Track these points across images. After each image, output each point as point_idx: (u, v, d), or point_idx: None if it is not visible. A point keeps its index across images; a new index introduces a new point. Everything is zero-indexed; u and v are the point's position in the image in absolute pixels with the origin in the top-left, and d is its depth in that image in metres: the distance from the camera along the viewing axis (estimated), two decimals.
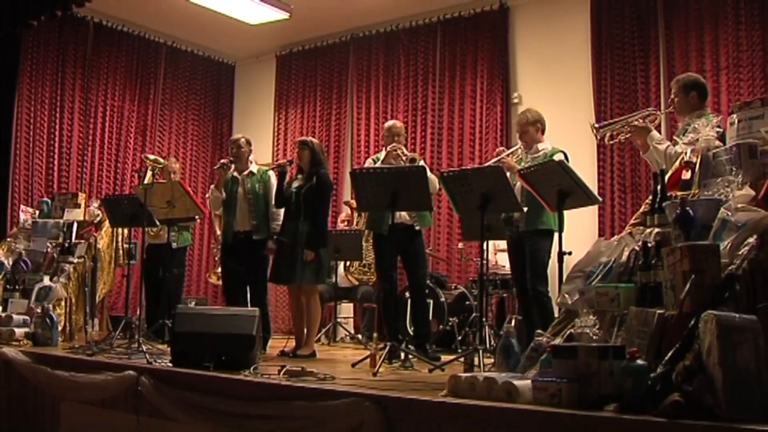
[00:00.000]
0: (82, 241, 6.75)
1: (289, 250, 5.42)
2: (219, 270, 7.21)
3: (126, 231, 6.92)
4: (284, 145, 9.42)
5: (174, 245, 6.54)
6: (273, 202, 5.72)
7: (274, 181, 5.71)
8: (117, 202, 5.77)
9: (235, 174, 5.88)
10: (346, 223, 7.84)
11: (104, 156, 8.78)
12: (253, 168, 5.93)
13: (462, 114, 8.07)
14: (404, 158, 5.31)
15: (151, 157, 6.87)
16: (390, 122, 5.71)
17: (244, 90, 10.13)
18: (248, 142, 5.98)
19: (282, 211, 5.66)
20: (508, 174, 4.67)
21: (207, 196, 6.14)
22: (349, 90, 8.99)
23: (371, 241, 7.49)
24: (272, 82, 9.69)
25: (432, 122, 8.21)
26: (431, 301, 6.35)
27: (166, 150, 9.30)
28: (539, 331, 3.25)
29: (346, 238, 6.93)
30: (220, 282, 7.32)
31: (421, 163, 5.31)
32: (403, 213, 5.28)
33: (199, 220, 6.94)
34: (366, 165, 5.51)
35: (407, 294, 5.98)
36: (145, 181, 5.95)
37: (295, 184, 5.57)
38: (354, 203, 7.35)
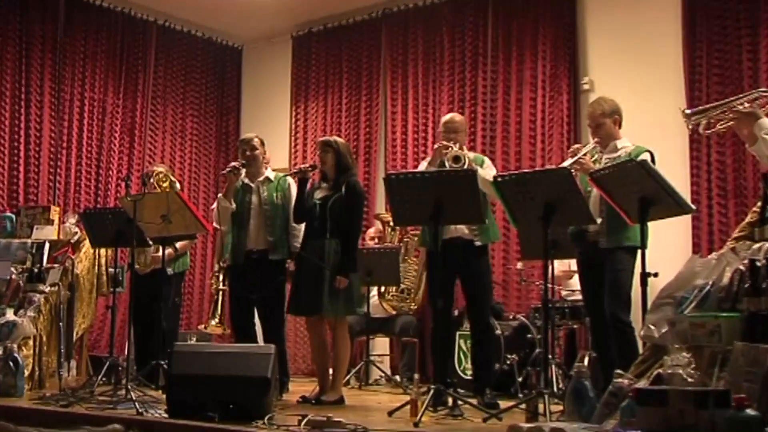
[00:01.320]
0: (56, 265, 6.82)
1: (315, 272, 5.45)
2: (217, 318, 7.25)
3: (111, 252, 7.00)
4: (303, 147, 9.50)
5: (170, 270, 6.54)
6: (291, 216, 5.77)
7: (294, 190, 5.76)
8: (99, 217, 5.85)
9: (247, 181, 5.94)
10: (376, 240, 7.86)
11: (82, 160, 8.84)
12: (270, 174, 6.00)
13: (519, 105, 8.05)
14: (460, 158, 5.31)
15: (161, 168, 6.92)
16: (448, 116, 5.74)
17: (253, 79, 10.25)
18: (263, 143, 6.05)
19: (302, 227, 5.70)
20: (577, 178, 4.65)
21: (212, 207, 6.19)
22: (381, 78, 9.04)
23: (410, 261, 7.52)
24: (288, 69, 9.78)
25: (483, 115, 8.21)
26: None
27: (159, 153, 9.42)
28: (619, 371, 3.23)
29: (380, 258, 6.95)
30: (222, 331, 7.39)
31: (471, 156, 5.31)
32: (461, 226, 5.31)
33: (199, 239, 7.00)
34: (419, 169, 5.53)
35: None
36: (135, 192, 6.03)
37: (319, 195, 5.61)
38: (387, 216, 7.36)
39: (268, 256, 5.79)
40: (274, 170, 6.15)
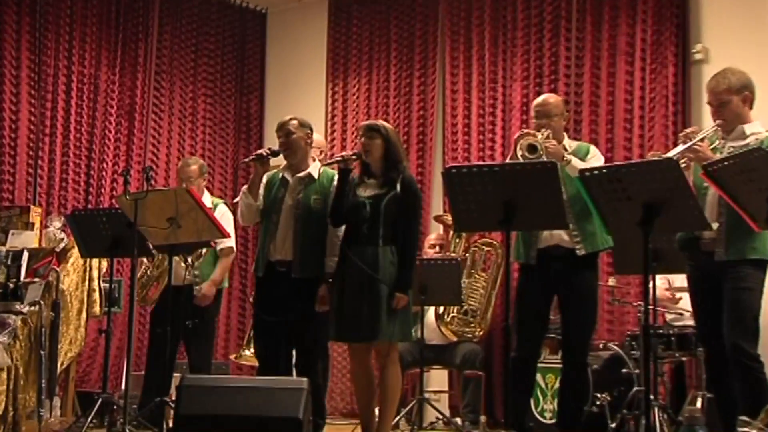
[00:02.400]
0: (37, 279, 6.86)
1: (365, 287, 5.44)
2: (252, 349, 7.29)
3: (105, 264, 7.06)
4: (341, 134, 9.55)
5: (197, 291, 6.77)
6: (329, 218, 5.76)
7: None
8: (91, 221, 5.91)
9: (286, 174, 5.94)
10: (437, 248, 7.85)
11: (69, 150, 8.88)
12: (313, 169, 5.88)
13: (612, 81, 7.99)
14: (546, 148, 5.30)
15: (192, 164, 7.08)
16: (540, 98, 5.75)
17: (280, 50, 10.31)
18: (303, 125, 5.93)
19: (341, 231, 5.70)
20: (689, 172, 4.60)
21: (235, 201, 6.24)
22: (438, 49, 9.05)
23: (477, 276, 7.50)
24: (323, 38, 9.83)
25: (565, 94, 8.14)
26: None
27: (164, 142, 9.51)
28: (744, 417, 3.19)
29: (438, 271, 6.92)
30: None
31: (571, 146, 5.28)
32: (559, 231, 5.33)
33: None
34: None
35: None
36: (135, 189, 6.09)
37: (367, 192, 5.60)
38: (449, 219, 7.34)
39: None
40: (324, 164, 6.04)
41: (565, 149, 5.53)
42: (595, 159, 5.51)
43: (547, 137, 5.39)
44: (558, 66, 8.28)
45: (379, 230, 5.48)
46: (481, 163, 5.42)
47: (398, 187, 5.50)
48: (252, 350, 7.23)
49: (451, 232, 7.70)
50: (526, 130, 5.52)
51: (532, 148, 5.28)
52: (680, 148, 4.86)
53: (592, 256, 5.48)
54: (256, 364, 6.91)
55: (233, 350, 8.96)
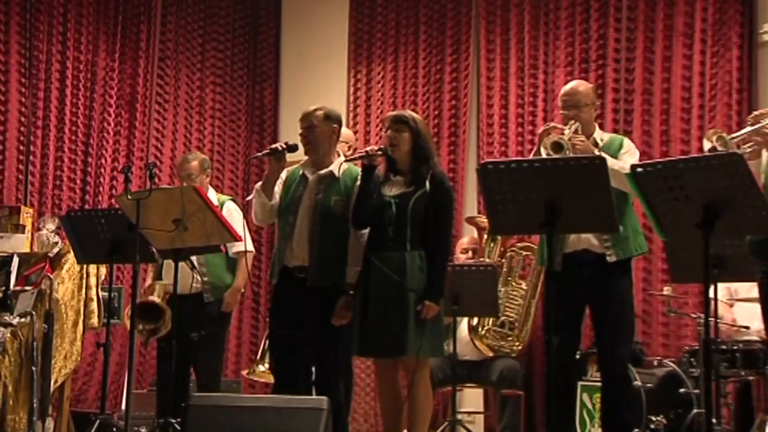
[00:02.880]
0: (28, 288, 6.90)
1: (392, 297, 5.43)
2: (266, 364, 7.30)
3: (104, 270, 7.09)
4: (365, 126, 9.57)
5: (207, 298, 6.80)
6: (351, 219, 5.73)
7: None
8: (88, 223, 5.91)
9: (306, 171, 5.93)
10: (470, 253, 7.83)
11: (64, 145, 8.95)
12: (336, 166, 5.81)
13: (668, 66, 7.96)
14: (574, 143, 5.29)
15: (194, 159, 7.07)
16: (567, 86, 5.74)
17: (297, 33, 10.33)
18: (329, 118, 5.86)
19: (365, 236, 5.69)
20: (756, 167, 4.56)
21: (248, 199, 6.23)
22: (472, 32, 9.05)
23: (514, 284, 7.48)
24: (344, 20, 9.85)
25: (614, 81, 8.14)
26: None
27: (169, 135, 9.55)
28: None
29: (472, 278, 6.90)
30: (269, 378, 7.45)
31: (603, 139, 5.25)
32: (587, 235, 5.35)
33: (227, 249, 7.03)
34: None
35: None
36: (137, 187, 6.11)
37: (393, 190, 5.59)
38: (484, 221, 7.32)
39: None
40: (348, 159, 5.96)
41: (596, 144, 5.56)
42: (629, 154, 5.50)
43: (575, 131, 5.38)
44: (606, 50, 8.25)
45: (407, 233, 5.48)
46: (520, 158, 5.39)
47: (427, 184, 5.50)
48: (266, 365, 7.25)
49: (486, 236, 7.69)
50: (551, 124, 5.52)
51: (557, 146, 5.28)
52: (747, 129, 4.84)
53: (624, 263, 5.49)
54: (272, 380, 6.95)
55: (245, 366, 8.95)
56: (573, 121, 5.47)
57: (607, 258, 5.40)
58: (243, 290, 7.36)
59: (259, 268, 9.55)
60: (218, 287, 6.89)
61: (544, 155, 5.27)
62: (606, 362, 5.53)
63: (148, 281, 7.08)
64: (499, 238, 7.56)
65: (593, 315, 5.50)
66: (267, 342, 7.40)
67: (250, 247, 6.93)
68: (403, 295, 5.39)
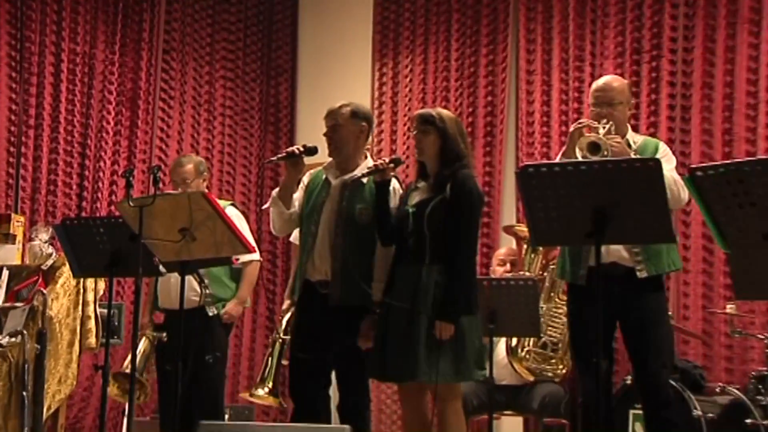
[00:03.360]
0: (19, 304, 6.93)
1: (406, 319, 5.46)
2: (269, 385, 7.32)
3: (102, 285, 7.12)
4: (391, 125, 9.59)
5: (212, 311, 6.79)
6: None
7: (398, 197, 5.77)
8: (85, 232, 5.92)
9: (330, 176, 5.93)
10: (508, 266, 7.83)
11: (59, 146, 9.02)
12: (362, 171, 5.79)
13: (731, 57, 7.91)
14: (612, 145, 5.30)
15: (188, 162, 7.04)
16: (600, 81, 5.74)
17: (316, 23, 10.39)
18: (356, 116, 5.85)
19: (392, 249, 5.69)
20: None
21: (264, 207, 6.25)
22: (511, 19, 9.07)
23: (557, 300, 7.48)
24: (368, 7, 9.89)
25: (670, 74, 8.11)
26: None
27: (174, 135, 9.61)
28: None
29: (510, 294, 6.88)
30: (276, 404, 7.47)
31: (636, 141, 5.25)
32: (617, 246, 5.34)
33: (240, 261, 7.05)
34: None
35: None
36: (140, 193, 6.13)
37: (414, 199, 5.62)
38: (524, 230, 7.33)
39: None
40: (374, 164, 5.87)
41: (629, 146, 5.56)
42: (666, 160, 5.45)
43: (608, 131, 5.38)
44: (661, 39, 8.22)
45: (425, 244, 5.49)
46: (564, 160, 5.37)
47: (448, 188, 5.50)
48: (267, 389, 7.28)
49: (526, 246, 7.68)
50: (584, 122, 5.50)
51: (594, 148, 5.27)
52: None
53: (656, 279, 5.50)
54: (272, 404, 7.01)
55: None
56: (605, 121, 5.47)
57: (638, 273, 5.42)
58: (248, 304, 7.39)
59: (274, 282, 9.59)
60: (220, 300, 6.93)
61: (579, 157, 5.27)
62: (645, 388, 5.53)
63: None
64: (540, 249, 7.54)
65: (626, 336, 5.52)
66: (269, 362, 7.44)
67: (257, 255, 6.95)
68: (414, 317, 5.43)
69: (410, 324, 5.44)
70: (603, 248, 5.28)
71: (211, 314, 6.82)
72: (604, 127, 5.43)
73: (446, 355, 5.42)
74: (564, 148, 5.54)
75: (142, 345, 6.89)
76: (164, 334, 6.89)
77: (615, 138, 5.40)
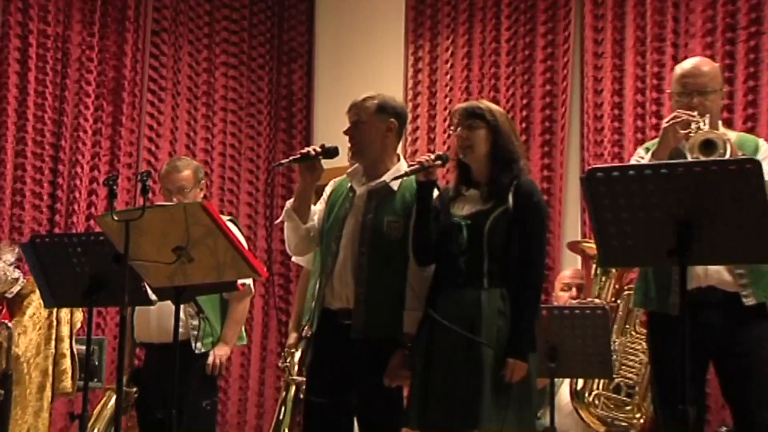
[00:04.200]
0: None
1: (458, 352, 5.42)
2: None
3: (80, 316, 7.15)
4: (427, 120, 9.62)
5: (198, 348, 6.80)
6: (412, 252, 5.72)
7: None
8: (59, 252, 5.94)
9: (354, 183, 5.90)
10: (574, 291, 7.82)
11: (26, 149, 9.04)
12: (392, 176, 5.74)
13: None
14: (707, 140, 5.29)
15: (185, 167, 7.03)
16: (690, 63, 5.72)
17: (337, 1, 10.44)
18: (383, 110, 5.80)
19: (431, 270, 5.70)
20: None
21: (277, 222, 6.23)
22: None
23: (633, 333, 7.44)
24: None
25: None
26: None
27: (167, 134, 9.65)
28: None
29: (576, 325, 6.88)
30: None
31: (731, 138, 5.25)
32: (717, 267, 5.32)
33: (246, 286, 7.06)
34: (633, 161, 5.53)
35: None
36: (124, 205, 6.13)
37: (465, 209, 5.58)
38: (592, 247, 7.31)
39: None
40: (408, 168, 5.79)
41: None
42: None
43: (712, 124, 5.35)
44: (762, 12, 8.20)
45: (483, 265, 5.44)
46: (641, 162, 5.34)
47: (510, 198, 5.46)
48: None
49: (595, 267, 7.66)
50: (682, 114, 5.36)
51: (709, 146, 5.22)
52: None
53: (760, 307, 5.45)
54: None
55: None
56: (702, 114, 5.40)
57: (744, 300, 5.37)
58: (244, 340, 7.40)
59: (287, 312, 9.58)
60: (210, 336, 6.94)
61: (690, 156, 5.21)
62: (744, 427, 5.49)
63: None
64: (613, 270, 7.51)
65: (724, 377, 5.47)
66: (282, 410, 7.45)
67: (249, 282, 6.93)
68: (476, 350, 5.35)
69: (469, 359, 5.38)
70: (701, 270, 5.27)
71: (197, 351, 6.82)
72: (704, 123, 5.33)
73: (512, 398, 5.39)
74: (656, 148, 5.46)
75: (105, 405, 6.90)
76: (134, 390, 6.91)
77: (723, 134, 5.30)
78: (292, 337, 7.18)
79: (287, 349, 7.24)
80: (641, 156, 5.55)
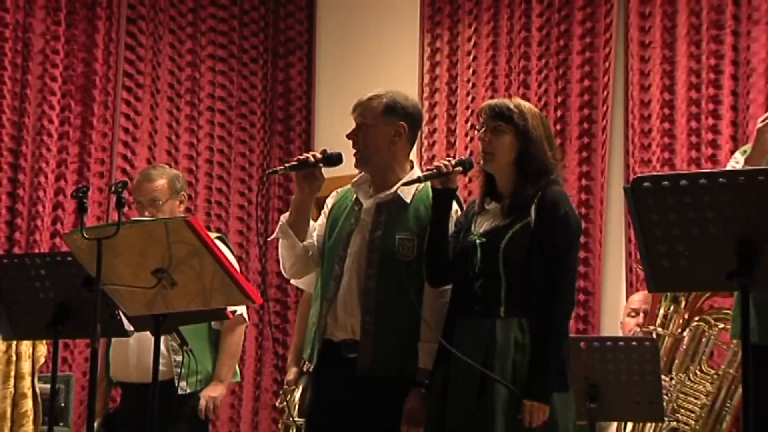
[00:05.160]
0: None
1: (474, 387, 5.41)
2: None
3: (43, 350, 7.16)
4: (446, 120, 9.65)
5: (182, 388, 6.81)
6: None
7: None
8: (19, 275, 5.96)
9: (360, 195, 5.88)
10: (641, 317, 7.81)
11: None
12: (404, 188, 5.73)
13: None
14: None
15: (160, 176, 7.04)
16: None
17: None
18: (391, 111, 5.75)
19: (447, 293, 5.71)
20: None
21: (271, 238, 6.22)
22: None
23: (695, 371, 7.42)
24: None
25: None
26: None
27: (145, 136, 9.67)
28: None
29: (617, 360, 6.88)
30: None
31: None
32: None
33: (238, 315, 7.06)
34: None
35: None
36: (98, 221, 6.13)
37: (484, 225, 5.57)
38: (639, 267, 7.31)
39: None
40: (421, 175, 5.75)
41: None
42: None
43: None
44: None
45: (500, 290, 5.42)
46: (695, 171, 5.33)
47: (533, 213, 5.43)
48: None
49: (644, 292, 7.65)
50: None
51: None
52: None
53: None
54: None
55: None
56: None
57: None
58: (238, 377, 7.41)
59: (284, 344, 9.62)
60: (196, 374, 6.94)
61: None
62: None
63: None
64: (682, 297, 7.48)
65: None
66: None
67: (242, 310, 6.97)
68: (489, 390, 5.32)
69: (482, 398, 5.35)
70: None
71: (181, 392, 6.81)
72: None
73: None
74: (750, 152, 5.45)
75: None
76: None
77: None
78: (292, 372, 7.20)
79: (286, 386, 7.24)
80: (738, 161, 5.53)
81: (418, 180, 5.59)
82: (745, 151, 5.58)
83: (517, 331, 5.38)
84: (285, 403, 7.27)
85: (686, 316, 7.56)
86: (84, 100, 9.41)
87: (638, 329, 7.49)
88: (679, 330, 7.46)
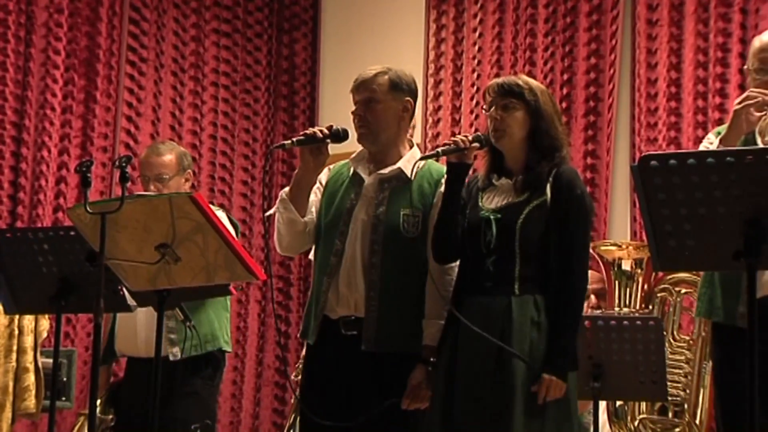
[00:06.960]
0: None
1: (486, 363, 5.39)
2: None
3: (46, 324, 7.19)
4: (451, 98, 9.65)
5: (174, 354, 6.75)
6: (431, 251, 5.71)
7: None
8: (22, 249, 5.95)
9: (360, 171, 5.90)
10: (593, 298, 7.82)
11: None
12: (407, 162, 5.75)
13: None
14: None
15: (168, 152, 7.02)
16: (766, 35, 5.68)
17: None
18: (397, 88, 5.77)
19: (454, 271, 5.71)
20: None
21: (269, 213, 6.20)
22: None
23: (674, 341, 7.43)
24: None
25: None
26: None
27: (148, 111, 9.68)
28: None
29: (622, 339, 6.88)
30: None
31: None
32: None
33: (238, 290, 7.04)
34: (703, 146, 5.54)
35: None
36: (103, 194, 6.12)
37: (496, 201, 5.56)
38: (608, 250, 7.31)
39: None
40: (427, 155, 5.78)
41: None
42: None
43: None
44: None
45: (514, 267, 5.41)
46: (702, 149, 5.32)
47: (548, 190, 5.44)
48: None
49: (614, 272, 7.64)
50: (757, 94, 5.30)
51: None
52: None
53: None
54: None
55: None
56: None
57: None
58: (228, 347, 7.39)
59: (287, 321, 9.61)
60: (191, 339, 6.86)
61: (760, 142, 5.20)
62: None
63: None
64: (638, 271, 7.48)
65: None
66: None
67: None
68: (508, 364, 5.31)
69: (499, 373, 5.34)
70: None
71: (173, 358, 6.74)
72: None
73: (549, 418, 5.36)
74: (725, 133, 5.42)
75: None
76: (110, 417, 6.90)
77: None
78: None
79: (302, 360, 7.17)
80: (711, 141, 5.51)
81: (436, 154, 5.56)
82: (719, 133, 5.55)
83: (533, 309, 5.38)
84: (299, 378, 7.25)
85: (645, 289, 7.56)
86: (87, 74, 9.40)
87: (591, 311, 7.47)
88: (643, 305, 7.47)
